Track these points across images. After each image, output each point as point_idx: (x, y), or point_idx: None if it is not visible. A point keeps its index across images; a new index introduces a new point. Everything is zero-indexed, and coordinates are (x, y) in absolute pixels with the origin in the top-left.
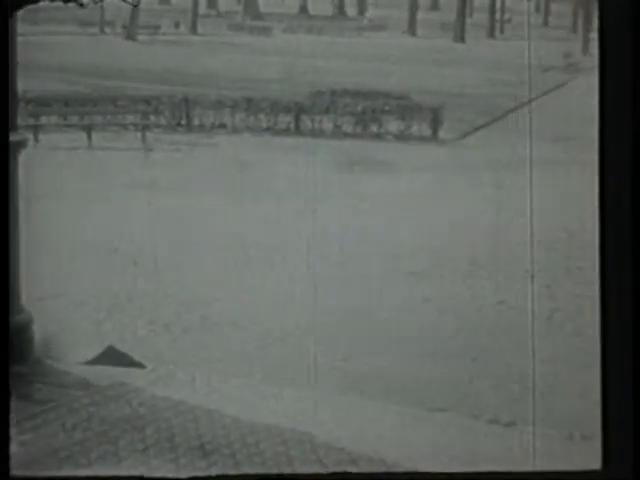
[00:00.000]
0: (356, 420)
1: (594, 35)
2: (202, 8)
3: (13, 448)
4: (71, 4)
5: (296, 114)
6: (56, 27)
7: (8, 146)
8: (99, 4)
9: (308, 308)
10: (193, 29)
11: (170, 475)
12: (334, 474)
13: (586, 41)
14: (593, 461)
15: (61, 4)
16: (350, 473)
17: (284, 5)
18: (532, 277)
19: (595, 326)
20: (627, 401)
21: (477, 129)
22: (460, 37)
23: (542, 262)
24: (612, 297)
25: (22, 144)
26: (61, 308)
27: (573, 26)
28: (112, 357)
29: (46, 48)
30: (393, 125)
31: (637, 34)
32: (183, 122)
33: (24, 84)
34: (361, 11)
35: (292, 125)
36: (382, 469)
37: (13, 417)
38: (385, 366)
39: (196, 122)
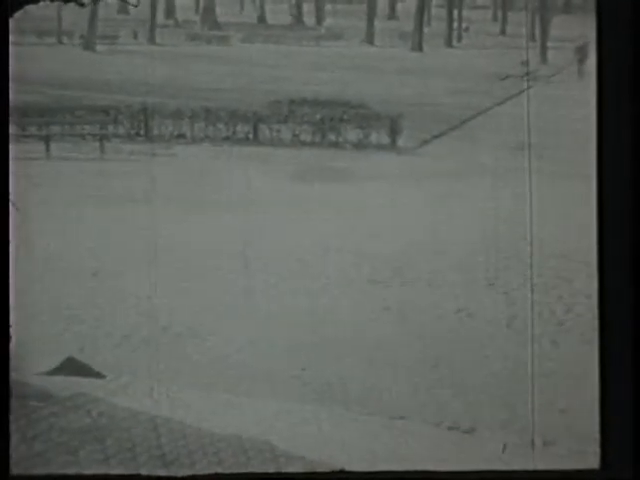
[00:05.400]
0: (316, 429)
1: (551, 44)
2: (160, 18)
3: None
4: (71, 4)
5: (254, 123)
6: (13, 37)
7: (8, 154)
8: (96, 4)
9: (267, 317)
10: (151, 39)
11: None
12: (333, 473)
13: (544, 50)
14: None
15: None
16: (350, 472)
17: (242, 15)
18: (492, 285)
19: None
20: (625, 401)
21: (435, 137)
22: (418, 46)
23: (502, 270)
24: (610, 299)
25: None
26: (19, 319)
27: (531, 35)
28: (72, 368)
29: None
30: (352, 134)
31: (636, 39)
32: (142, 132)
33: None
34: (319, 20)
35: (251, 135)
36: (343, 477)
37: None
38: (345, 375)
39: (155, 132)
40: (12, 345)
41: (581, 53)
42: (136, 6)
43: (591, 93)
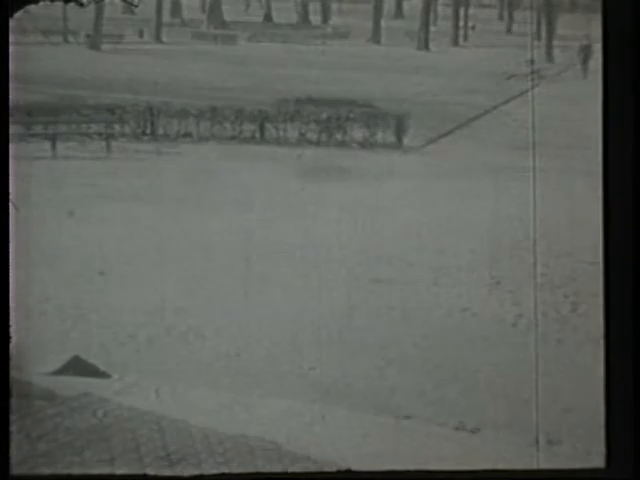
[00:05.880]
0: (323, 429)
1: (557, 43)
2: (166, 17)
3: None
4: (71, 4)
5: (261, 122)
6: (19, 37)
7: (8, 153)
8: (100, 4)
9: (274, 317)
10: (157, 38)
11: None
12: (339, 472)
13: (549, 49)
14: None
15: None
16: (356, 472)
17: (248, 13)
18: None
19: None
20: (631, 401)
21: (441, 136)
22: (424, 45)
23: (507, 269)
24: (616, 298)
25: None
26: (24, 318)
27: (536, 34)
28: (77, 367)
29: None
30: (358, 133)
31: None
32: (148, 131)
33: None
34: (325, 19)
35: (257, 133)
36: (349, 477)
37: None
38: (351, 374)
39: (161, 131)
40: (14, 345)
41: (584, 52)
42: (136, 6)
43: (596, 92)
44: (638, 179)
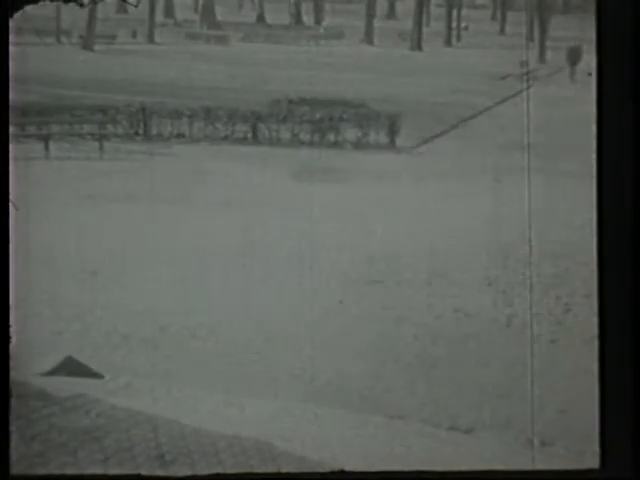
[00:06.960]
0: (316, 428)
1: (550, 44)
2: (159, 17)
3: None
4: (71, 4)
5: (254, 123)
6: (12, 37)
7: (8, 154)
8: (96, 4)
9: (267, 317)
10: (150, 38)
11: None
12: (333, 473)
13: (542, 49)
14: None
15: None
16: (349, 472)
17: (241, 14)
18: (490, 284)
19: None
20: (625, 401)
21: (434, 137)
22: (417, 45)
23: (500, 270)
24: (610, 299)
25: None
26: (19, 318)
27: (529, 34)
28: (71, 368)
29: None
30: (350, 133)
31: (637, 39)
32: (141, 132)
33: None
34: (318, 20)
35: (250, 134)
36: (342, 477)
37: None
38: (344, 374)
39: (154, 131)
40: (12, 345)
41: (573, 54)
42: (136, 6)
43: (590, 92)
44: (633, 180)
